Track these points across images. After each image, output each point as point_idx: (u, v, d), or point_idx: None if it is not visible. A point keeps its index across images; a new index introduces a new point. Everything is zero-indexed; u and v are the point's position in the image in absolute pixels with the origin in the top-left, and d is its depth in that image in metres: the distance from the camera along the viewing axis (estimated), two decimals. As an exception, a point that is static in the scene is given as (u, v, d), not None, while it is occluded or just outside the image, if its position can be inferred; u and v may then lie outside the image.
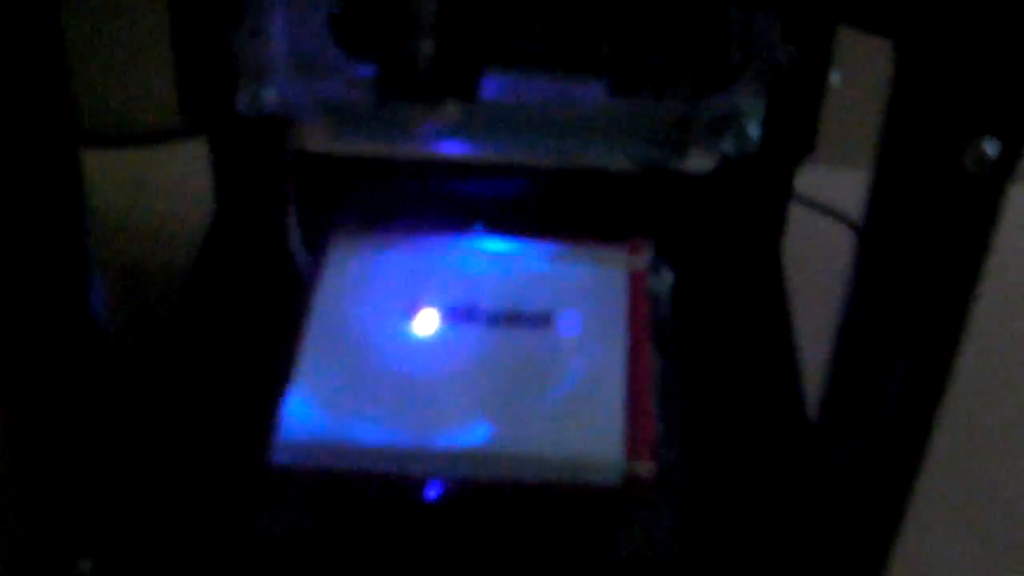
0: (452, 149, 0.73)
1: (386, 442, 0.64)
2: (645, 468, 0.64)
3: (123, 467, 0.67)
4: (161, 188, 1.00)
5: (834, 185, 0.93)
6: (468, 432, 0.65)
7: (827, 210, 0.95)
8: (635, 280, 0.75)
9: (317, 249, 0.76)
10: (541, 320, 0.72)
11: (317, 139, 0.77)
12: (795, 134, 0.74)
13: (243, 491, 0.65)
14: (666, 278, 0.77)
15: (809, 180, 0.85)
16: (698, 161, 0.75)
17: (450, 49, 0.64)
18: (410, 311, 0.71)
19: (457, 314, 0.72)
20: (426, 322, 0.71)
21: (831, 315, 0.64)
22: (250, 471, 0.65)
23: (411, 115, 0.67)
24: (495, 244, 0.77)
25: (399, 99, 0.66)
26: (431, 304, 0.72)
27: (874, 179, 0.59)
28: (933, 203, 0.55)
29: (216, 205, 0.84)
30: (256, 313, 0.76)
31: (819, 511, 0.67)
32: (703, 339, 0.77)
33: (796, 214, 0.87)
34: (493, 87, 0.67)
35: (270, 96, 0.70)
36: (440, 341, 0.70)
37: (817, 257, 0.89)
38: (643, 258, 0.76)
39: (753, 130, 0.70)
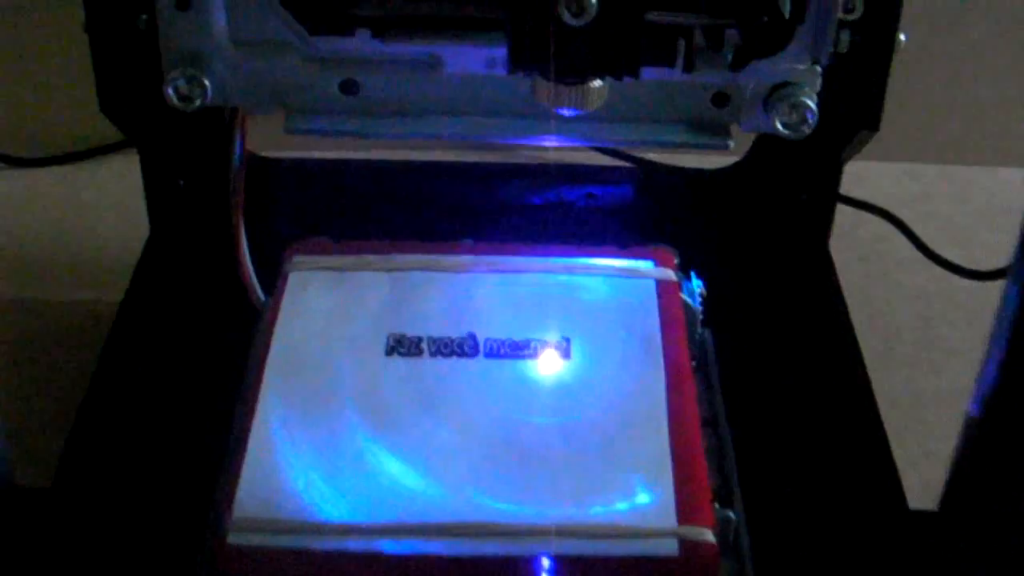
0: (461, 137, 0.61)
1: (364, 518, 0.51)
2: (704, 534, 0.50)
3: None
4: (89, 209, 0.88)
5: (868, 178, 0.85)
6: (472, 502, 0.51)
7: (864, 205, 0.83)
8: (665, 293, 0.61)
9: (273, 275, 0.62)
10: (555, 350, 0.58)
11: (269, 138, 0.66)
12: (857, 109, 0.63)
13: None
14: (697, 290, 0.63)
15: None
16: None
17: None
18: (389, 349, 0.58)
19: (449, 349, 0.58)
20: (410, 362, 0.57)
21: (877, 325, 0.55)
22: (197, 554, 0.52)
23: (540, 93, 0.55)
24: (491, 260, 0.63)
25: (531, 70, 0.55)
26: (415, 338, 0.58)
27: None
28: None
29: (150, 226, 0.72)
30: (199, 359, 0.64)
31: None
32: (746, 359, 0.64)
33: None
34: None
35: (206, 84, 0.58)
36: (429, 384, 0.57)
37: (858, 257, 0.80)
38: (671, 267, 0.63)
39: (810, 104, 0.56)
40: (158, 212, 0.71)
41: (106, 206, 0.86)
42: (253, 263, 0.63)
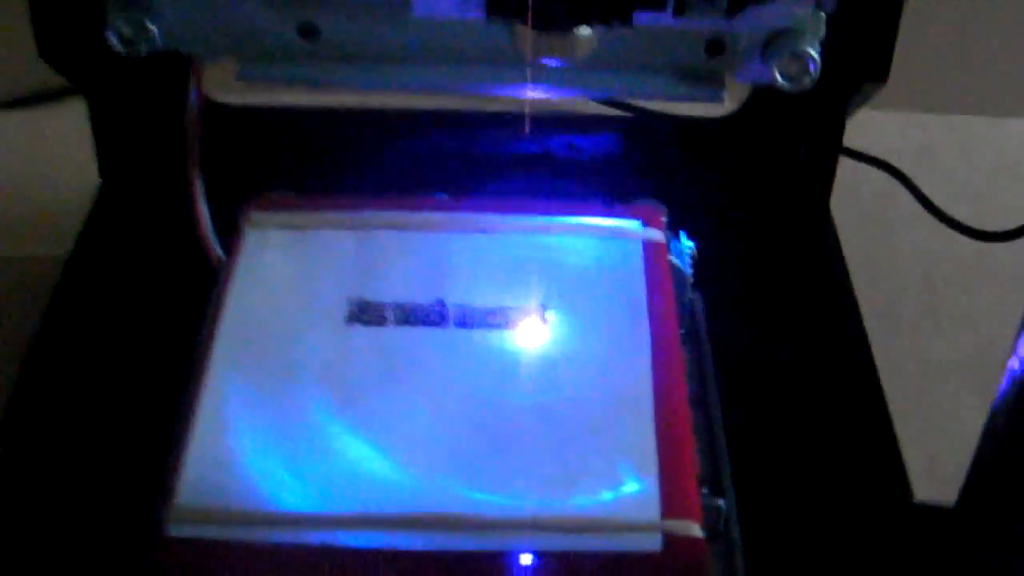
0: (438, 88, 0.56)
1: (321, 508, 0.46)
2: (690, 528, 0.45)
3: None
4: (42, 159, 0.82)
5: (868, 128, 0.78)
6: (437, 490, 0.47)
7: (864, 157, 0.79)
8: (652, 256, 0.56)
9: (230, 232, 0.58)
10: (531, 318, 0.53)
11: (230, 83, 0.60)
12: (864, 58, 0.60)
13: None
14: (687, 251, 0.58)
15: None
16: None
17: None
18: (350, 316, 0.53)
19: (415, 317, 0.53)
20: (372, 332, 0.53)
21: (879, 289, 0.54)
22: (135, 545, 0.47)
23: (520, 42, 0.50)
24: (464, 218, 0.58)
25: (510, 15, 0.50)
26: (379, 305, 0.54)
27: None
28: None
29: (100, 179, 0.68)
30: (151, 324, 0.60)
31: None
32: (739, 328, 0.61)
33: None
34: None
35: (152, 28, 0.53)
36: (392, 358, 0.52)
37: (858, 214, 0.77)
38: (659, 227, 0.58)
39: (812, 52, 0.52)
40: (108, 163, 0.67)
41: (62, 155, 0.81)
42: (211, 219, 0.58)
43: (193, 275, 0.58)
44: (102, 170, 0.67)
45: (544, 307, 0.53)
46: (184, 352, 0.53)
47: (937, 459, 0.63)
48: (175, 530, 0.45)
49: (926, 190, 0.78)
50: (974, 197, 0.81)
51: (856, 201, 0.79)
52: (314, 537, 0.45)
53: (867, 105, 0.65)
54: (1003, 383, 0.44)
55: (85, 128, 0.67)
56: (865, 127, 0.82)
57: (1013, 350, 0.43)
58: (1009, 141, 0.87)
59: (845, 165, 0.71)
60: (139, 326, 0.60)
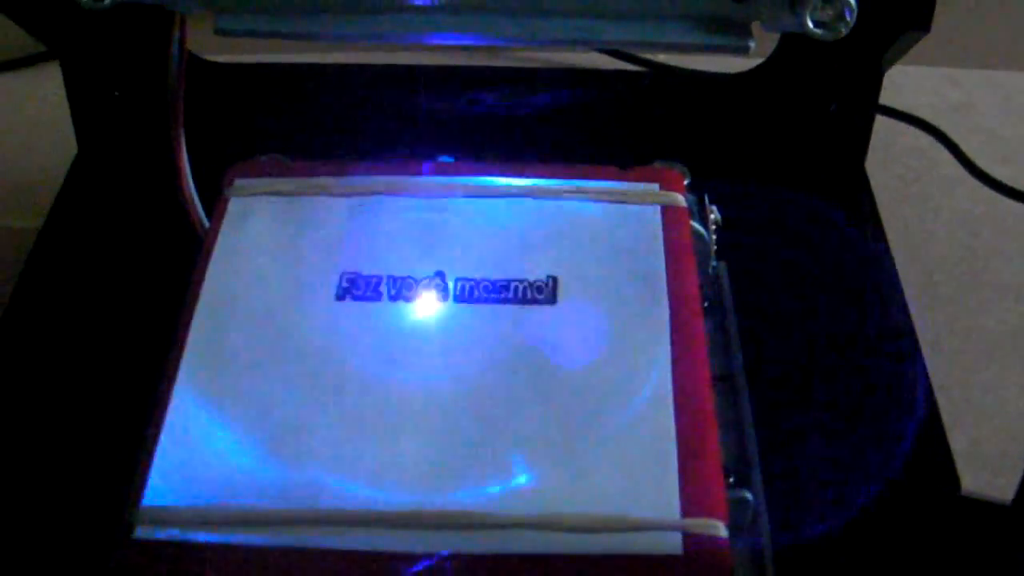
0: (439, 40, 0.51)
1: (304, 506, 0.42)
2: (713, 527, 0.41)
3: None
4: (21, 124, 0.79)
5: (904, 84, 0.77)
6: (439, 485, 0.43)
7: (900, 115, 0.75)
8: (673, 222, 0.52)
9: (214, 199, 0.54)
10: (540, 293, 0.49)
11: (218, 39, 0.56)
12: (905, 2, 0.56)
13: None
14: (711, 217, 0.54)
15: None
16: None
17: None
18: (341, 292, 0.49)
19: (413, 292, 0.49)
20: (366, 308, 0.49)
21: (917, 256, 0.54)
22: (101, 547, 0.43)
23: None
24: (466, 182, 0.54)
25: None
26: (373, 279, 0.50)
27: None
28: None
29: (77, 144, 0.64)
30: (131, 299, 0.56)
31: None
32: (768, 299, 0.56)
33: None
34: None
35: None
36: (388, 338, 0.48)
37: (895, 176, 0.74)
38: (680, 191, 0.54)
39: (848, -4, 0.48)
40: (85, 128, 0.63)
41: (46, 121, 0.77)
42: (196, 186, 0.54)
43: (176, 247, 0.54)
44: (79, 136, 0.64)
45: (553, 280, 0.49)
46: (164, 331, 0.49)
47: (980, 442, 0.59)
48: (144, 531, 0.42)
49: (966, 150, 0.74)
50: (1017, 157, 0.77)
51: (893, 161, 0.75)
52: (293, 539, 0.41)
53: (902, 60, 0.60)
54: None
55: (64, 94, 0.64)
56: (901, 84, 0.78)
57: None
58: (1050, 97, 0.82)
59: (880, 124, 0.67)
60: (116, 302, 0.56)
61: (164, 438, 0.44)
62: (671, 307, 0.48)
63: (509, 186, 0.54)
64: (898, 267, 0.58)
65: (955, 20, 0.82)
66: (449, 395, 0.45)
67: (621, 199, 0.53)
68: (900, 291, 0.57)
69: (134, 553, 0.41)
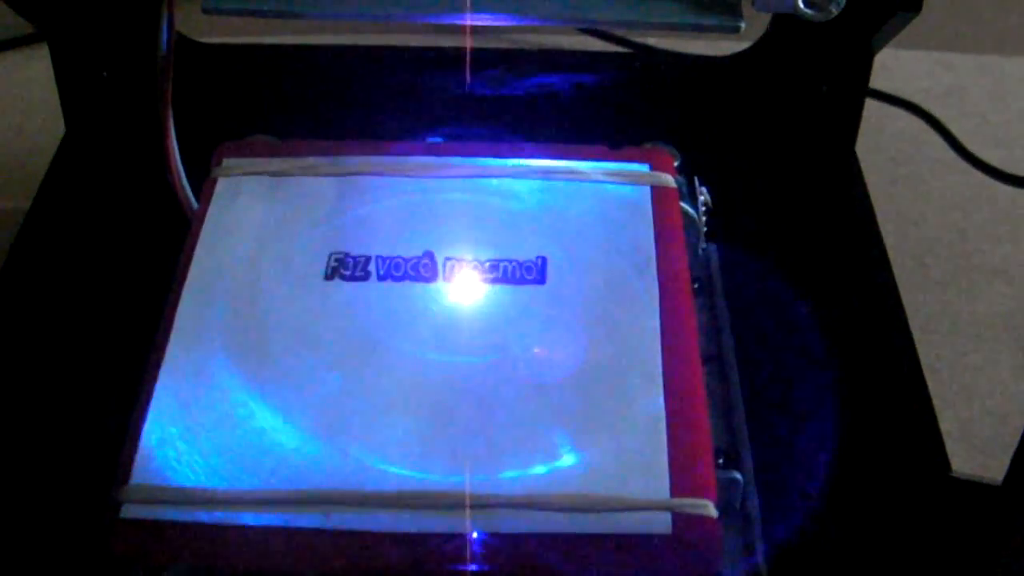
0: (426, 19, 0.52)
1: (291, 486, 0.42)
2: (702, 506, 0.41)
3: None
4: (11, 105, 0.79)
5: (895, 68, 0.77)
6: (428, 465, 0.42)
7: (891, 98, 0.75)
8: (662, 203, 0.52)
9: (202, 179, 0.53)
10: (529, 272, 0.49)
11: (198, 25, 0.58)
12: None
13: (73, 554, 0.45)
14: (701, 198, 0.54)
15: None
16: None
17: None
18: (330, 272, 0.49)
19: (401, 272, 0.49)
20: (354, 288, 0.48)
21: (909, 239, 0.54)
22: (88, 525, 0.43)
23: None
24: (456, 162, 0.54)
25: None
26: (361, 258, 0.49)
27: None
28: None
29: (65, 124, 0.64)
30: (119, 281, 0.56)
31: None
32: (758, 282, 0.56)
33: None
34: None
35: None
36: (376, 317, 0.47)
37: (885, 159, 0.75)
38: (670, 172, 0.54)
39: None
40: (73, 108, 0.63)
41: (35, 101, 0.77)
42: (185, 167, 0.54)
43: (165, 227, 0.54)
44: (67, 117, 0.63)
45: (543, 260, 0.49)
46: (151, 311, 0.49)
47: (971, 424, 0.59)
48: (129, 510, 0.41)
49: (957, 134, 0.74)
50: (1008, 141, 0.76)
51: (884, 145, 0.75)
52: (280, 518, 0.41)
53: (893, 44, 0.60)
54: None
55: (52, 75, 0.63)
56: (891, 67, 0.77)
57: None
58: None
59: (871, 108, 0.67)
60: (104, 282, 0.56)
61: (151, 417, 0.43)
62: (661, 287, 0.48)
63: (499, 166, 0.53)
64: (889, 250, 0.58)
65: (947, 4, 0.82)
66: (437, 375, 0.45)
67: (611, 179, 0.53)
68: (891, 273, 0.57)
69: (121, 531, 0.41)
